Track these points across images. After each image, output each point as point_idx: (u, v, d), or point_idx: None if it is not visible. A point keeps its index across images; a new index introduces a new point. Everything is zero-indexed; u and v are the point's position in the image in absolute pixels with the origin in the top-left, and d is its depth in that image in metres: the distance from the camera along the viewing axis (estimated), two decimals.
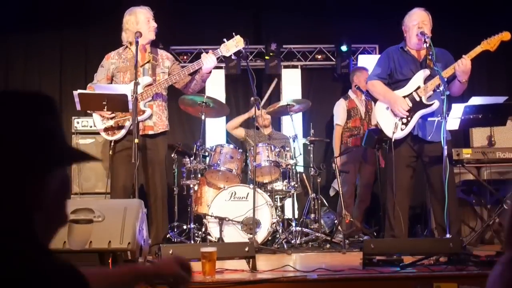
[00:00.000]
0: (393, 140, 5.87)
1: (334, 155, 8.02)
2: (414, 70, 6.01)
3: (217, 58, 6.25)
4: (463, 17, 9.30)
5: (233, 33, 6.24)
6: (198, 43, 9.44)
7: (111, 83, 6.14)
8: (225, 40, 6.25)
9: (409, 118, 5.88)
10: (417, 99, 5.87)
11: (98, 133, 7.59)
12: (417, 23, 5.98)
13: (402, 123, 5.90)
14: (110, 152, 6.04)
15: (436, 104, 5.79)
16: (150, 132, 6.06)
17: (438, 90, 5.70)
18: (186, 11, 9.32)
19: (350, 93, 8.46)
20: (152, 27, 6.12)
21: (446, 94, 5.39)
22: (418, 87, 5.90)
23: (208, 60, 6.06)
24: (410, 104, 5.88)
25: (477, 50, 5.77)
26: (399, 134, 5.90)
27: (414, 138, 5.95)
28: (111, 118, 6.03)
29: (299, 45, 9.68)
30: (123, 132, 5.99)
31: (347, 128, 8.30)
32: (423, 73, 5.93)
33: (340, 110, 8.36)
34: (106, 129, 6.07)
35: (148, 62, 6.16)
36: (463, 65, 5.69)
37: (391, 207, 5.96)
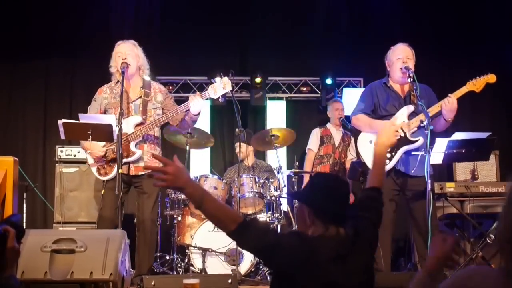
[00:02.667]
0: None
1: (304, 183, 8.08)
2: (397, 106, 6.03)
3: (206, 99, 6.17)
4: (446, 53, 9.42)
5: (221, 74, 6.17)
6: (184, 73, 9.48)
7: None
8: (212, 80, 6.19)
9: (393, 153, 5.88)
10: (402, 134, 5.89)
11: (81, 162, 7.63)
12: (402, 57, 6.01)
13: (386, 158, 5.90)
14: (103, 192, 6.01)
15: (420, 141, 5.81)
16: (141, 173, 6.03)
17: (422, 125, 5.73)
18: (173, 42, 9.37)
19: (328, 124, 8.57)
20: (119, 64, 6.03)
21: (430, 129, 5.42)
22: (403, 123, 5.92)
23: (195, 103, 5.95)
24: (401, 133, 5.89)
25: (463, 90, 5.82)
26: None
27: (397, 172, 5.95)
28: (103, 158, 6.00)
29: (285, 77, 9.73)
30: (114, 172, 5.93)
31: (318, 155, 8.41)
32: (407, 109, 5.95)
33: (313, 136, 8.51)
34: (98, 169, 6.05)
35: (139, 97, 6.13)
36: (450, 103, 5.73)
37: None
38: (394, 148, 5.87)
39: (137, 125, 5.98)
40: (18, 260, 2.90)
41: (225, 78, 6.11)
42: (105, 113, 6.12)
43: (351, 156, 8.38)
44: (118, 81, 6.12)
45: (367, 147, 6.05)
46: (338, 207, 3.06)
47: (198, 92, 6.19)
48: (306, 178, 8.26)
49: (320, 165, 8.33)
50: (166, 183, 2.79)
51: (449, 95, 5.78)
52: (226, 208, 2.96)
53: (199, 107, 6.01)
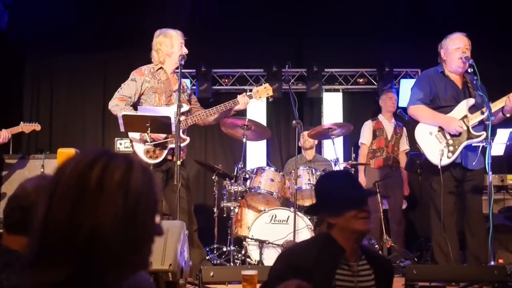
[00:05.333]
0: (439, 167, 5.74)
1: (358, 176, 8.06)
2: (456, 96, 5.91)
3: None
4: (507, 45, 9.20)
5: (263, 81, 6.40)
6: (241, 66, 9.50)
7: (139, 100, 6.13)
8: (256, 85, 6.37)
9: (456, 146, 5.77)
10: (464, 128, 5.78)
11: None
12: (461, 47, 5.91)
13: (449, 151, 5.79)
14: None
15: (484, 136, 5.68)
16: (182, 159, 6.08)
17: (483, 116, 5.61)
18: (229, 35, 9.38)
19: (379, 115, 8.50)
20: (184, 53, 6.11)
21: (491, 120, 5.32)
22: (465, 116, 5.80)
23: (244, 102, 6.18)
24: (464, 127, 5.79)
25: None
26: (445, 161, 5.77)
27: (455, 165, 5.85)
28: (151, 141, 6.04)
29: (341, 69, 9.69)
30: (163, 155, 5.99)
31: (371, 149, 8.40)
32: (468, 102, 5.83)
33: (366, 130, 8.46)
34: (147, 152, 6.04)
35: (177, 88, 6.19)
36: None
37: (439, 234, 5.83)
38: (457, 141, 5.77)
39: (183, 113, 6.02)
40: None
41: (267, 84, 6.44)
42: (141, 95, 6.14)
43: (404, 148, 8.34)
44: (161, 67, 6.20)
45: (427, 139, 5.95)
46: None
47: (245, 93, 6.33)
48: (361, 171, 8.25)
49: (374, 159, 8.29)
50: None
51: None
52: None
53: (246, 107, 6.33)
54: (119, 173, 1.48)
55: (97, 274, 1.44)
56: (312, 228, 6.88)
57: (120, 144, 8.02)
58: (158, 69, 6.19)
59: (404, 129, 8.35)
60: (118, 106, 5.96)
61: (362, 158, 8.37)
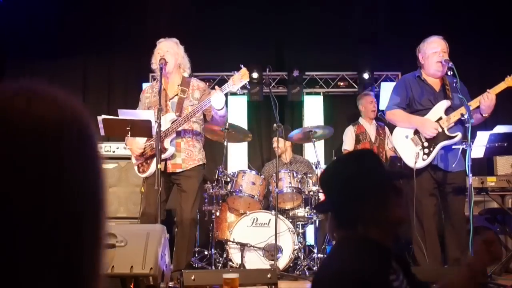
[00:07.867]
0: (415, 169, 5.77)
1: None
2: (432, 100, 5.93)
3: (226, 94, 6.07)
4: (484, 46, 9.26)
5: (241, 65, 6.01)
6: (221, 69, 9.48)
7: None
8: (233, 72, 6.06)
9: (431, 149, 5.81)
10: (439, 130, 5.80)
11: (120, 158, 7.70)
12: (438, 51, 5.93)
13: (424, 153, 5.82)
14: (142, 189, 6.08)
15: (459, 136, 5.73)
16: (178, 170, 6.01)
17: (462, 118, 5.63)
18: (209, 38, 9.37)
19: (360, 119, 8.50)
20: (158, 60, 6.01)
21: (471, 122, 5.35)
22: (440, 118, 5.83)
23: (215, 97, 5.83)
24: (439, 128, 5.81)
25: (501, 86, 5.72)
26: (421, 164, 5.80)
27: (434, 167, 5.86)
28: (141, 155, 6.04)
29: (322, 72, 9.68)
30: (152, 168, 5.95)
31: None
32: (444, 104, 5.86)
33: (348, 135, 8.42)
34: (138, 167, 6.09)
35: (176, 95, 6.13)
36: (489, 99, 5.63)
37: (420, 236, 5.84)
38: (432, 144, 5.80)
39: (173, 122, 5.98)
40: None
41: (243, 69, 5.92)
42: None
43: (389, 146, 8.33)
44: (155, 79, 6.16)
45: (403, 142, 5.99)
46: None
47: (217, 86, 6.06)
48: None
49: None
50: None
51: (488, 90, 5.68)
52: None
53: (220, 101, 5.88)
54: None
55: None
56: (293, 231, 6.89)
57: (100, 147, 7.96)
58: (156, 81, 6.20)
59: (386, 128, 8.35)
60: None
61: None
